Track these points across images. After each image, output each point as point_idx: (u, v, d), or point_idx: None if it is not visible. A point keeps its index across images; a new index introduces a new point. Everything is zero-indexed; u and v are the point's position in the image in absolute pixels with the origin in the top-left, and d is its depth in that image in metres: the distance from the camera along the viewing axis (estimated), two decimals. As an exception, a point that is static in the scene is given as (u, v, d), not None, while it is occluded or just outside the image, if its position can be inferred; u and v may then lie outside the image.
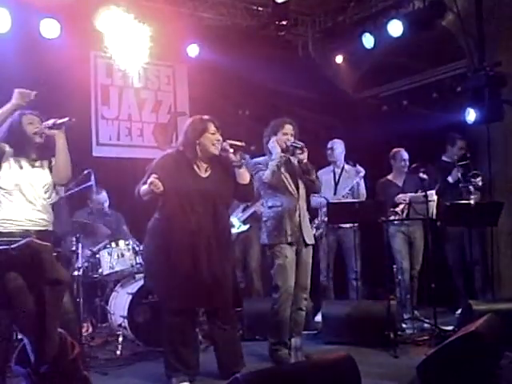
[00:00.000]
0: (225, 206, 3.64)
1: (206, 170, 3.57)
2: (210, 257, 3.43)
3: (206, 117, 3.61)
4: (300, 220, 3.95)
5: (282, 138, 3.97)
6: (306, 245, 3.99)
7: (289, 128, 3.99)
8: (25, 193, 3.33)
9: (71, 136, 5.53)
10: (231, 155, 3.49)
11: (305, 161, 3.90)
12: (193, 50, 6.22)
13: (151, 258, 3.60)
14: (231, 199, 3.76)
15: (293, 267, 3.91)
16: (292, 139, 3.96)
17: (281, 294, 3.87)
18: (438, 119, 5.51)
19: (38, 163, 3.43)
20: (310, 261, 4.05)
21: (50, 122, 3.42)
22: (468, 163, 5.08)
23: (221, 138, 3.54)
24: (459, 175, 5.08)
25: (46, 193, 3.40)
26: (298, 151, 3.89)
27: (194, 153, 3.53)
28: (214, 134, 3.53)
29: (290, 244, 3.91)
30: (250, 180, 3.63)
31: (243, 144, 3.50)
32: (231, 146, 3.49)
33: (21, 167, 3.36)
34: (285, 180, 3.96)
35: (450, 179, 5.14)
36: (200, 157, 3.55)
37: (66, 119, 3.39)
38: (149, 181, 3.37)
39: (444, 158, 5.40)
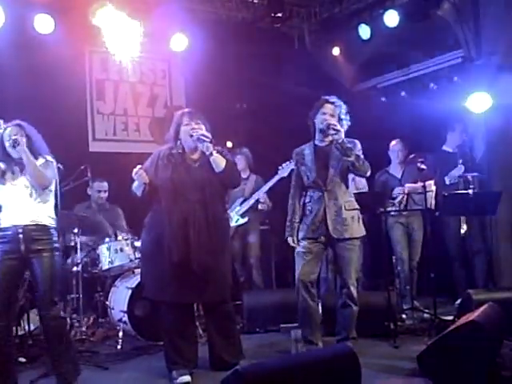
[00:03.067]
0: (218, 194, 3.59)
1: (196, 161, 3.59)
2: (202, 248, 3.41)
3: (183, 110, 3.64)
4: (325, 213, 3.78)
5: (320, 118, 3.81)
6: (341, 239, 3.77)
7: (328, 107, 3.81)
8: (9, 205, 3.41)
9: (68, 132, 5.59)
10: (200, 145, 3.48)
11: (340, 141, 3.67)
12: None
13: (145, 252, 3.61)
14: (224, 188, 3.70)
15: (308, 258, 3.80)
16: (331, 119, 3.76)
17: (295, 284, 3.86)
18: (436, 109, 5.49)
19: (20, 174, 3.46)
20: (349, 254, 3.79)
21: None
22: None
23: (196, 126, 3.51)
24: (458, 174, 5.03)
25: (30, 196, 3.43)
26: (332, 131, 3.69)
27: (179, 147, 3.57)
28: (187, 124, 3.53)
29: (309, 238, 3.83)
30: (227, 165, 3.52)
31: (209, 136, 3.46)
32: (199, 137, 3.46)
33: (3, 183, 3.43)
34: (308, 174, 3.87)
35: (447, 180, 5.09)
36: (186, 149, 3.57)
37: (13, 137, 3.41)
38: (134, 172, 3.41)
39: (444, 148, 5.38)
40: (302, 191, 3.95)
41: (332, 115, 3.80)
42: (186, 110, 3.66)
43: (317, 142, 3.92)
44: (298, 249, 3.88)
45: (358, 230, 3.86)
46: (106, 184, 5.28)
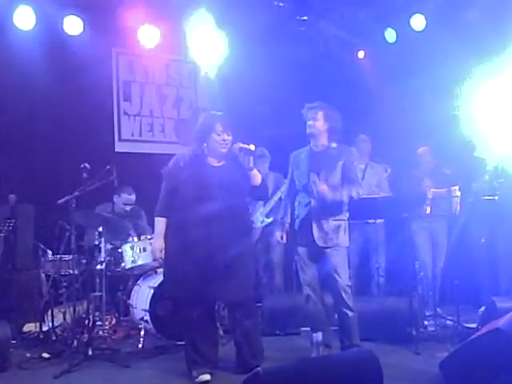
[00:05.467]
0: (241, 193, 3.63)
1: (218, 162, 3.62)
2: (225, 246, 3.44)
3: (214, 115, 3.63)
4: (311, 220, 3.80)
5: (307, 124, 3.88)
6: (326, 247, 3.81)
7: (310, 112, 3.88)
8: None
9: (94, 132, 5.67)
10: (242, 158, 3.54)
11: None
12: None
13: (169, 250, 3.63)
14: (247, 187, 3.68)
15: (308, 263, 3.87)
16: (314, 124, 3.84)
17: (303, 289, 3.89)
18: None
19: None
20: (336, 261, 3.79)
21: None
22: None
23: (228, 138, 3.54)
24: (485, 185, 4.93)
25: None
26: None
27: (203, 150, 3.59)
28: (220, 134, 3.53)
29: (301, 245, 3.90)
30: (262, 181, 3.67)
31: (252, 148, 3.53)
32: (241, 149, 3.52)
33: None
34: (300, 179, 3.90)
35: (473, 187, 5.01)
36: (210, 154, 3.60)
37: None
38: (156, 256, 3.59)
39: (475, 154, 5.30)
40: (295, 195, 3.96)
41: (314, 119, 3.84)
42: (219, 114, 3.64)
43: (312, 147, 3.93)
44: (297, 255, 3.92)
45: (343, 239, 3.85)
46: (133, 198, 5.20)
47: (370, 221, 5.15)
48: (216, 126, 3.54)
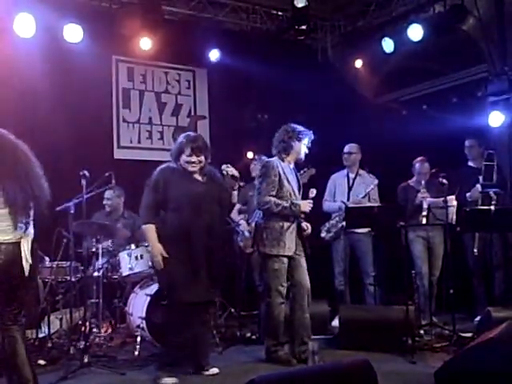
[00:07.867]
0: (225, 205, 3.84)
1: (202, 177, 3.74)
2: (213, 254, 3.63)
3: (187, 137, 3.70)
4: (300, 232, 4.06)
5: (303, 148, 4.12)
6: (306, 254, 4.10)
7: (308, 141, 4.14)
8: None
9: (93, 139, 5.69)
10: (227, 179, 3.73)
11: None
12: (213, 55, 6.28)
13: (166, 261, 3.65)
14: (230, 200, 3.88)
15: (285, 272, 4.00)
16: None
17: (275, 297, 3.97)
18: (458, 124, 5.46)
19: None
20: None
21: None
22: (492, 165, 4.99)
23: (197, 159, 3.64)
24: (479, 194, 4.98)
25: None
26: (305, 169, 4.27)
27: (180, 166, 3.70)
28: (188, 156, 3.64)
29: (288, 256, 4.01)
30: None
31: (237, 175, 3.75)
32: (227, 173, 3.73)
33: None
34: (291, 193, 4.05)
35: (468, 197, 5.04)
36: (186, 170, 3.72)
37: None
38: (156, 260, 3.60)
39: (470, 164, 5.34)
40: None
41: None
42: (191, 136, 3.74)
43: (287, 163, 4.14)
44: (280, 264, 3.97)
45: None
46: (109, 192, 5.15)
47: (357, 230, 5.16)
48: (186, 148, 3.65)
